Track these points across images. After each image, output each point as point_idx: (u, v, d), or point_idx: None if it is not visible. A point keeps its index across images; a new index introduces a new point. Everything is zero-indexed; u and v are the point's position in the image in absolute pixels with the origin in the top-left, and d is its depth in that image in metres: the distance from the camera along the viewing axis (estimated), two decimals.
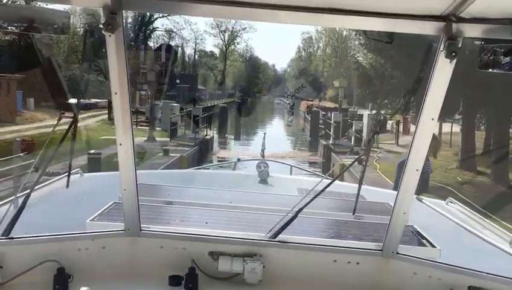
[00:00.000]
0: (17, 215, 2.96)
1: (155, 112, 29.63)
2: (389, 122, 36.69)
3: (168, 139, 26.62)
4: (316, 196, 3.32)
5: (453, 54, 2.25)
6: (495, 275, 2.77)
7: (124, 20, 2.46)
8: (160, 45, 43.23)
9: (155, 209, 3.66)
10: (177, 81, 61.83)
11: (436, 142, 8.14)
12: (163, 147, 22.74)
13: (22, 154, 15.02)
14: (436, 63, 2.39)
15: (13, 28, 2.58)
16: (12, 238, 2.82)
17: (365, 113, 32.95)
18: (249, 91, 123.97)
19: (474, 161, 23.33)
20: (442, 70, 2.39)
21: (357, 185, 4.40)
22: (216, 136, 37.01)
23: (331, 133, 29.58)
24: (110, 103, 20.81)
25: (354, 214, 3.88)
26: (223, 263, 2.89)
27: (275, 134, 41.39)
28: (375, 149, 27.58)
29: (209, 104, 61.68)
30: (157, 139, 26.38)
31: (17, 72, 38.44)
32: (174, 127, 27.90)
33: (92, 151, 16.66)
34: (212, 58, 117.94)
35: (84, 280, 2.55)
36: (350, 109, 45.00)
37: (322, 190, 3.44)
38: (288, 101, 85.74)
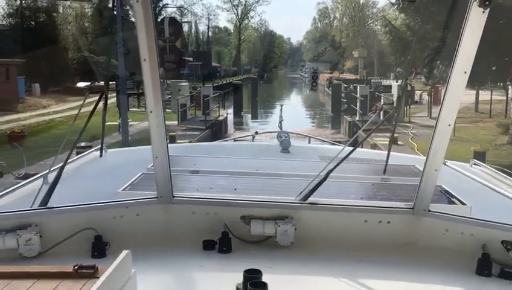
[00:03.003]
0: (52, 187, 3.09)
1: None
2: (417, 92, 33.80)
3: (176, 122, 23.89)
4: (344, 158, 3.28)
5: (487, 2, 2.27)
6: None
7: None
8: (163, 18, 39.96)
9: (183, 178, 3.77)
10: (190, 59, 59.52)
11: None
12: (170, 133, 20.08)
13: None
14: (469, 13, 2.38)
15: None
16: (50, 208, 2.95)
17: (393, 84, 29.88)
18: (265, 66, 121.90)
19: None
20: (475, 20, 2.39)
21: (381, 152, 4.71)
22: (231, 117, 34.26)
23: (357, 108, 26.59)
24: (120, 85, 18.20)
25: (384, 173, 3.95)
26: (255, 227, 2.91)
27: (293, 110, 38.52)
28: (408, 124, 24.72)
29: (223, 82, 59.18)
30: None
31: (20, 56, 36.35)
32: (183, 108, 25.16)
33: (83, 144, 13.72)
34: (226, 34, 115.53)
35: (120, 247, 2.25)
36: (373, 80, 41.74)
37: (350, 152, 3.47)
38: (306, 75, 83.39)
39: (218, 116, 27.51)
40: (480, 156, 12.22)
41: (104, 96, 3.44)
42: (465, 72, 2.53)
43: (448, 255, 2.84)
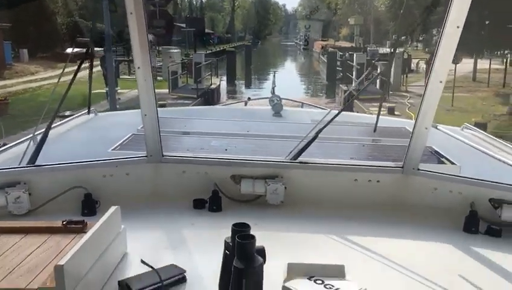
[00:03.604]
0: (39, 145, 3.09)
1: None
2: (414, 61, 33.13)
3: (167, 90, 23.09)
4: (334, 117, 3.26)
5: None
6: None
7: None
8: None
9: (174, 139, 3.81)
10: (183, 25, 58.18)
11: None
12: (159, 102, 19.34)
13: None
14: None
15: None
16: (38, 165, 2.92)
17: (390, 52, 29.13)
18: (260, 33, 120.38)
19: None
20: None
21: (373, 116, 4.66)
22: (224, 84, 33.47)
23: (353, 77, 25.93)
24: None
25: (374, 131, 3.99)
26: (245, 186, 2.92)
27: (287, 79, 37.72)
28: (405, 94, 24.17)
29: (217, 49, 58.02)
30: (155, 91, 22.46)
31: (7, 20, 35.10)
32: (174, 76, 24.29)
33: (68, 113, 13.00)
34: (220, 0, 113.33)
35: (110, 205, 2.23)
36: (369, 48, 40.88)
37: (340, 111, 3.58)
38: (301, 43, 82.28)
39: (211, 84, 26.70)
40: (481, 128, 11.76)
41: (90, 53, 3.43)
42: (458, 27, 2.48)
43: (436, 213, 2.86)
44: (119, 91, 23.44)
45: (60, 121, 4.72)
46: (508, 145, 4.20)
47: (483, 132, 4.73)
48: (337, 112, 3.49)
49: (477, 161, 3.84)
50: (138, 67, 2.73)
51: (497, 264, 2.35)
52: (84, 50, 3.68)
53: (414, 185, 2.95)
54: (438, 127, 4.72)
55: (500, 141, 4.37)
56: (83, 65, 3.49)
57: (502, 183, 2.81)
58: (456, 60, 21.68)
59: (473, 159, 3.88)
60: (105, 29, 15.95)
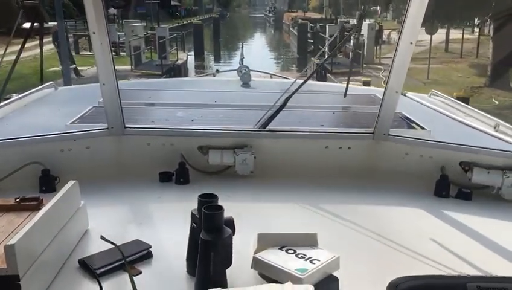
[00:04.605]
0: None
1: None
2: (385, 32, 32.37)
3: (130, 67, 21.50)
4: (303, 83, 3.23)
5: None
6: (485, 148, 2.80)
7: None
8: None
9: (137, 111, 3.63)
10: None
11: None
12: (120, 81, 18.00)
13: None
14: None
15: None
16: None
17: (364, 23, 28.22)
18: (228, 5, 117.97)
19: (507, 77, 18.84)
20: None
21: (344, 85, 4.42)
22: (191, 59, 32.09)
23: (326, 49, 24.96)
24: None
25: (345, 96, 3.81)
26: (213, 157, 2.86)
27: (257, 52, 36.61)
28: (379, 67, 23.40)
29: (184, 22, 56.15)
30: (116, 67, 20.93)
31: None
32: (137, 52, 22.76)
33: (14, 96, 11.46)
34: None
35: (71, 181, 2.14)
36: (340, 20, 39.98)
37: (309, 77, 3.87)
38: (270, 15, 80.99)
39: (177, 60, 25.37)
40: (464, 102, 11.12)
41: (39, 17, 3.32)
42: None
43: (408, 178, 2.85)
44: (79, 68, 22.01)
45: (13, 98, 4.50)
46: (474, 110, 4.19)
47: (450, 98, 4.70)
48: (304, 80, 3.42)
49: (446, 126, 3.83)
50: (93, 32, 2.56)
51: (468, 227, 2.36)
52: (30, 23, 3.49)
53: (385, 151, 2.94)
54: (406, 94, 4.76)
55: (466, 106, 4.36)
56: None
57: (472, 146, 2.81)
58: (431, 30, 21.00)
59: (442, 124, 3.86)
60: None
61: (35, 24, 3.96)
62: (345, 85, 4.53)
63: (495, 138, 3.41)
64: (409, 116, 3.58)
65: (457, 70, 22.23)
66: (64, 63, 15.68)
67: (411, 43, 2.60)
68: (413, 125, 3.47)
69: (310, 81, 3.64)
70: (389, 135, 2.92)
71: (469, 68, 22.63)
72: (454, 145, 2.85)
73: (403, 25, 2.57)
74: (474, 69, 21.95)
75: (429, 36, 22.01)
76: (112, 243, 1.80)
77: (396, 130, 3.04)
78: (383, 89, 2.92)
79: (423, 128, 3.38)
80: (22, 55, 3.15)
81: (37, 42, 4.63)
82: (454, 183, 2.75)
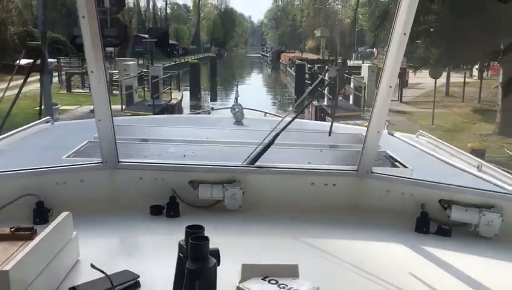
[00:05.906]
0: None
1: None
2: None
3: (120, 107, 20.48)
4: (291, 121, 3.37)
5: None
6: (464, 187, 2.89)
7: None
8: None
9: (131, 146, 3.77)
10: (146, 36, 55.96)
11: None
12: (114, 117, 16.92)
13: None
14: None
15: None
16: None
17: (364, 65, 27.65)
18: (226, 45, 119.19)
19: None
20: None
21: (328, 123, 4.78)
22: (187, 99, 31.33)
23: (325, 92, 24.25)
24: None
25: (329, 135, 3.96)
26: (203, 191, 2.92)
27: (253, 92, 35.96)
28: None
29: (181, 61, 55.96)
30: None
31: None
32: (129, 91, 21.84)
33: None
34: (185, 11, 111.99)
35: (64, 212, 2.22)
36: (338, 61, 39.70)
37: (297, 115, 3.85)
38: (268, 54, 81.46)
39: (170, 100, 24.54)
40: (479, 155, 10.19)
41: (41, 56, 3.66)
42: (405, 34, 2.53)
43: (390, 214, 2.90)
44: (66, 108, 21.11)
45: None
46: (458, 150, 4.26)
47: (438, 139, 4.73)
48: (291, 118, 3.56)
49: (429, 165, 3.97)
50: (92, 72, 2.62)
51: (447, 263, 2.40)
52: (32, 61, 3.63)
53: (368, 188, 3.00)
54: (394, 134, 4.92)
55: (452, 146, 4.39)
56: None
57: (451, 185, 2.89)
58: (436, 75, 20.34)
59: (424, 163, 4.00)
60: (40, 27, 13.54)
61: (37, 61, 4.21)
62: (339, 126, 4.61)
63: (476, 177, 3.53)
64: (392, 155, 3.72)
65: (461, 116, 21.42)
66: (46, 100, 14.78)
67: (390, 86, 2.69)
68: (397, 163, 3.60)
69: (300, 120, 3.60)
70: (372, 172, 2.99)
71: (473, 113, 21.86)
72: (434, 183, 2.92)
73: (383, 70, 2.67)
74: (478, 114, 21.18)
75: (428, 78, 21.44)
76: (101, 271, 1.83)
77: (379, 168, 3.14)
78: None
79: (405, 166, 3.50)
80: (7, 93, 3.15)
81: (37, 77, 4.78)
82: (434, 220, 2.79)
